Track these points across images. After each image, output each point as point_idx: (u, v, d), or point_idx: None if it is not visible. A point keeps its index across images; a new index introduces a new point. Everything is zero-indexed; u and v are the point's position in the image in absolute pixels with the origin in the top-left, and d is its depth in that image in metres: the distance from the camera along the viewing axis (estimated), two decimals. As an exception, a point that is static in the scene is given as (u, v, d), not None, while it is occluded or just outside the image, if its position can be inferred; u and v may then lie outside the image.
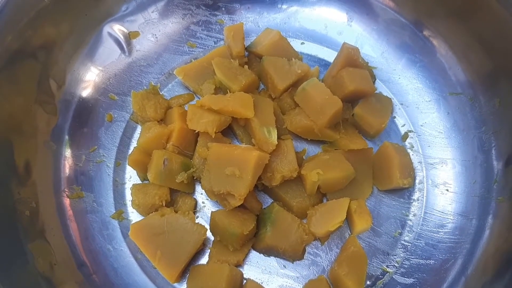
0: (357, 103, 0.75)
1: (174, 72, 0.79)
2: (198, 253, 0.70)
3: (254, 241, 0.70)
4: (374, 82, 0.78)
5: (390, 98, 0.76)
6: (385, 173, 0.72)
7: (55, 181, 0.72)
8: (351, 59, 0.74)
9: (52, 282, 0.64)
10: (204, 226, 0.68)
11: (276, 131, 0.69)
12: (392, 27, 0.80)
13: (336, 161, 0.70)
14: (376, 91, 0.77)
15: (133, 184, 0.72)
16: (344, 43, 0.75)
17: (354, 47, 0.75)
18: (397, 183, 0.70)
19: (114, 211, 0.73)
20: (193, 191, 0.74)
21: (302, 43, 0.82)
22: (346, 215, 0.68)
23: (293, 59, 0.77)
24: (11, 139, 0.67)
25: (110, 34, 0.79)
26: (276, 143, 0.68)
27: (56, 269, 0.66)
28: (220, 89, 0.76)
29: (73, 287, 0.66)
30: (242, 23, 0.81)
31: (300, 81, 0.75)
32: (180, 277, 0.68)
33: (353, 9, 0.83)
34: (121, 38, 0.80)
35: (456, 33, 0.75)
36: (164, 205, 0.70)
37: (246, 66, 0.78)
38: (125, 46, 0.81)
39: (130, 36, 0.81)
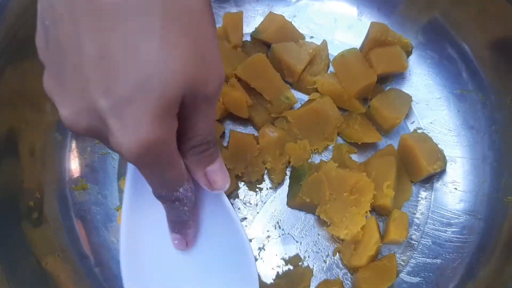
0: (374, 95, 0.75)
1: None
2: None
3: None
4: (410, 54, 0.78)
5: (410, 96, 0.75)
6: (413, 165, 0.71)
7: (59, 172, 0.72)
8: (378, 39, 0.75)
9: (53, 274, 0.64)
10: None
11: (290, 90, 0.74)
12: (403, 22, 0.79)
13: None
14: (407, 68, 0.77)
15: (123, 177, 0.71)
16: (372, 23, 0.76)
17: (381, 25, 0.75)
18: (427, 171, 0.70)
19: (119, 204, 0.72)
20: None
21: (311, 37, 0.81)
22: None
23: (299, 40, 0.77)
24: (16, 129, 0.67)
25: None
26: (297, 100, 0.74)
27: (59, 261, 0.65)
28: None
29: (74, 280, 0.66)
30: (242, 11, 0.80)
31: (313, 59, 0.76)
32: None
33: (364, 3, 0.82)
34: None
35: (468, 29, 0.74)
36: None
37: (239, 49, 0.77)
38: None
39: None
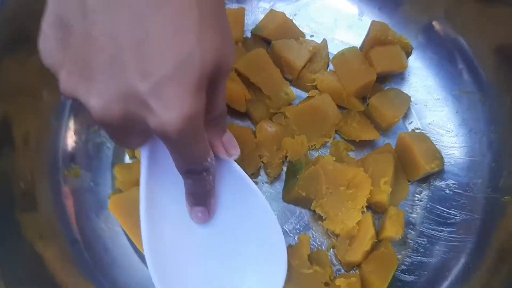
0: (373, 94, 0.75)
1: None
2: None
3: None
4: (410, 54, 0.78)
5: (409, 96, 0.75)
6: (411, 164, 0.71)
7: (53, 157, 0.71)
8: (378, 38, 0.75)
9: (42, 257, 0.63)
10: None
11: (289, 86, 0.74)
12: (403, 23, 0.79)
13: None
14: (406, 68, 0.77)
15: (117, 164, 0.71)
16: (373, 21, 0.76)
17: (381, 24, 0.75)
18: (425, 170, 0.69)
19: (111, 191, 0.72)
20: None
21: (312, 36, 0.81)
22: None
23: (300, 38, 0.77)
24: (10, 116, 0.66)
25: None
26: (295, 97, 0.73)
27: (47, 245, 0.64)
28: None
29: (64, 264, 0.65)
30: (244, 8, 0.80)
31: (313, 57, 0.76)
32: None
33: (365, 3, 0.82)
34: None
35: (469, 30, 0.74)
36: None
37: (240, 44, 0.77)
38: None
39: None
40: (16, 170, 0.65)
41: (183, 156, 0.45)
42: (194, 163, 0.47)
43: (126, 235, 0.68)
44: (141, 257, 0.67)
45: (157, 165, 0.54)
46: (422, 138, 0.72)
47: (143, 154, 0.53)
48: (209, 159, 0.47)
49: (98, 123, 0.40)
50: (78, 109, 0.74)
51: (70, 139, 0.73)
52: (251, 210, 0.57)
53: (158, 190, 0.55)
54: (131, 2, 0.35)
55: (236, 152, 0.54)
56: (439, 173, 0.73)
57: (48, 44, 0.41)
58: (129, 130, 0.43)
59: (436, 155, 0.71)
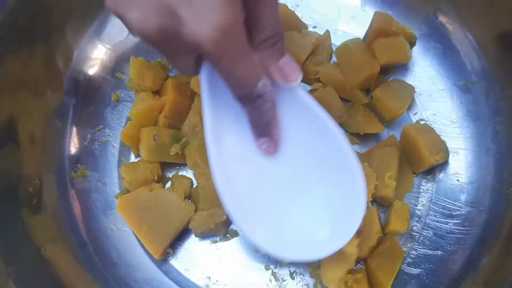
0: (377, 86, 0.74)
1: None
2: (185, 231, 0.69)
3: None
4: (414, 45, 0.77)
5: (413, 87, 0.74)
6: (415, 156, 0.71)
7: (59, 159, 0.72)
8: (382, 29, 0.74)
9: (52, 261, 0.63)
10: (192, 203, 0.67)
11: None
12: (407, 13, 0.78)
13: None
14: (410, 59, 0.77)
15: (123, 164, 0.71)
16: (376, 12, 0.75)
17: (385, 15, 0.74)
18: (429, 162, 0.69)
19: (119, 191, 0.72)
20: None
21: (314, 27, 0.81)
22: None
23: (302, 30, 0.76)
24: (16, 115, 0.66)
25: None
26: None
27: (58, 248, 0.65)
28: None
29: (73, 267, 0.66)
30: None
31: (316, 48, 0.75)
32: (165, 253, 0.68)
33: (368, -7, 0.81)
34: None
35: (474, 20, 0.73)
36: (156, 179, 0.70)
37: None
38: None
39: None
40: (23, 171, 0.66)
41: (228, 77, 0.42)
42: (241, 86, 0.44)
43: (135, 234, 0.68)
44: (150, 256, 0.68)
45: (218, 96, 0.50)
46: (427, 129, 0.72)
47: (203, 82, 0.49)
48: (260, 84, 0.44)
49: (139, 38, 0.40)
50: (82, 108, 0.75)
51: (76, 139, 0.74)
52: (322, 141, 0.53)
53: (221, 120, 0.52)
54: None
55: (296, 77, 0.48)
56: (444, 165, 0.73)
57: None
58: (172, 46, 0.41)
59: (441, 146, 0.71)
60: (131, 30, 0.39)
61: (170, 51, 0.42)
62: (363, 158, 0.70)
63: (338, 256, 0.56)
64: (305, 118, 0.53)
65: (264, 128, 0.52)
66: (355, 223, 0.52)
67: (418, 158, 0.71)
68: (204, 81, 0.49)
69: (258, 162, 0.54)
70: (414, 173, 0.72)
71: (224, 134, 0.52)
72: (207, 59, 0.41)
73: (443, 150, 0.71)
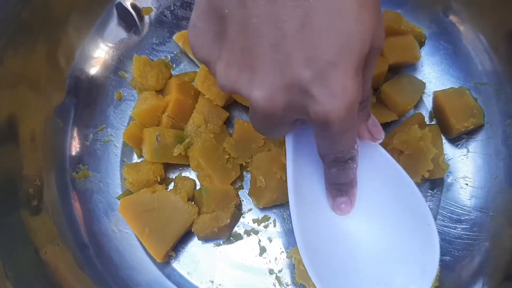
0: (386, 81, 0.72)
1: (173, 38, 0.77)
2: (188, 234, 0.68)
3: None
4: (423, 44, 0.76)
5: (424, 82, 0.73)
6: (444, 123, 0.71)
7: (60, 159, 0.71)
8: (391, 28, 0.73)
9: (52, 263, 0.63)
10: (195, 206, 0.66)
11: None
12: (416, 12, 0.77)
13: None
14: (420, 59, 0.75)
15: (126, 164, 0.70)
16: (385, 10, 0.74)
17: (394, 14, 0.73)
18: (458, 129, 0.68)
19: (121, 192, 0.71)
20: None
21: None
22: None
23: None
24: (17, 114, 0.65)
25: (121, 10, 0.77)
26: None
27: (58, 250, 0.64)
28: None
29: (74, 269, 0.65)
30: None
31: None
32: (168, 256, 0.67)
33: (376, -9, 0.79)
34: (133, 14, 0.78)
35: (485, 19, 0.71)
36: (159, 180, 0.69)
37: None
38: (137, 22, 0.78)
39: (142, 12, 0.78)
40: (23, 171, 0.65)
41: (335, 144, 0.43)
42: (343, 151, 0.45)
43: (137, 236, 0.67)
44: (152, 259, 0.67)
45: (300, 156, 0.52)
46: (459, 93, 0.71)
47: (288, 143, 0.51)
48: (356, 147, 0.45)
49: (259, 114, 0.39)
50: (84, 107, 0.74)
51: (77, 139, 0.73)
52: (400, 197, 0.53)
53: (302, 181, 0.53)
54: None
55: (381, 136, 0.52)
56: (453, 169, 0.71)
57: (201, 37, 0.40)
58: (286, 120, 0.41)
59: (473, 111, 0.69)
60: (255, 108, 0.38)
61: (274, 124, 0.42)
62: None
63: None
64: (385, 174, 0.54)
65: (345, 187, 0.52)
66: (429, 279, 0.52)
67: (447, 125, 0.70)
68: (289, 142, 0.51)
69: (333, 217, 0.55)
70: (447, 139, 0.72)
71: (302, 189, 0.53)
72: (321, 131, 0.41)
73: (476, 115, 0.69)
